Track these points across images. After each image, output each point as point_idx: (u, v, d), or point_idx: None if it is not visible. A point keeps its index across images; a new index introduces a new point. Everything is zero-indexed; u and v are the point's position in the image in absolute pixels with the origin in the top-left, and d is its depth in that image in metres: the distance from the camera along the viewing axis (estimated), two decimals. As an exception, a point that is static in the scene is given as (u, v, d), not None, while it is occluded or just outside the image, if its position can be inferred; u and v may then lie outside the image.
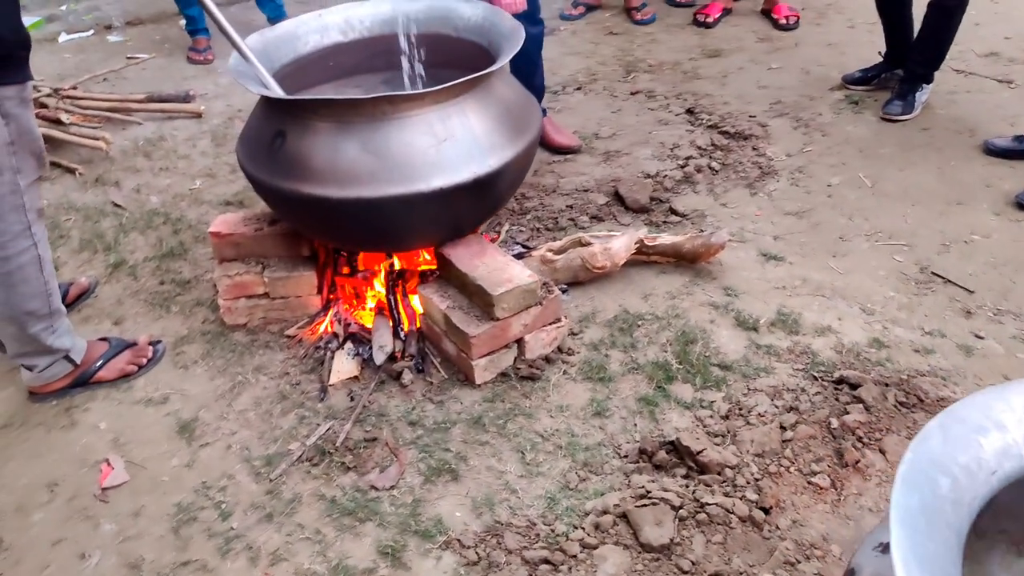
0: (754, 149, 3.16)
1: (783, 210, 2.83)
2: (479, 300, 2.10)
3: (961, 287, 2.45)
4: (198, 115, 3.68)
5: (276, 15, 4.26)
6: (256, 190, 2.19)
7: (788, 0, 4.38)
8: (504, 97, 2.14)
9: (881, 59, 3.58)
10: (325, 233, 2.22)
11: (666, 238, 2.51)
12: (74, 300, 2.52)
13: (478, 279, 2.08)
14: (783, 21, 4.18)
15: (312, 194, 1.98)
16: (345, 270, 2.50)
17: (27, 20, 4.73)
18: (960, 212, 2.78)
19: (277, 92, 2.03)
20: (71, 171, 3.26)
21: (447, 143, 1.99)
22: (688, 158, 3.07)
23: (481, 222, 2.32)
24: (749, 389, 2.06)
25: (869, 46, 3.85)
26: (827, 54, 3.92)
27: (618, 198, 2.85)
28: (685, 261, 2.51)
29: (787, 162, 3.09)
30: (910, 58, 3.32)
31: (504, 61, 2.04)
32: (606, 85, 3.74)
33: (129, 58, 4.30)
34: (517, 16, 2.56)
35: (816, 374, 2.10)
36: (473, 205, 2.12)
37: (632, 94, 3.65)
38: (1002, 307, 2.37)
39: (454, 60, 2.44)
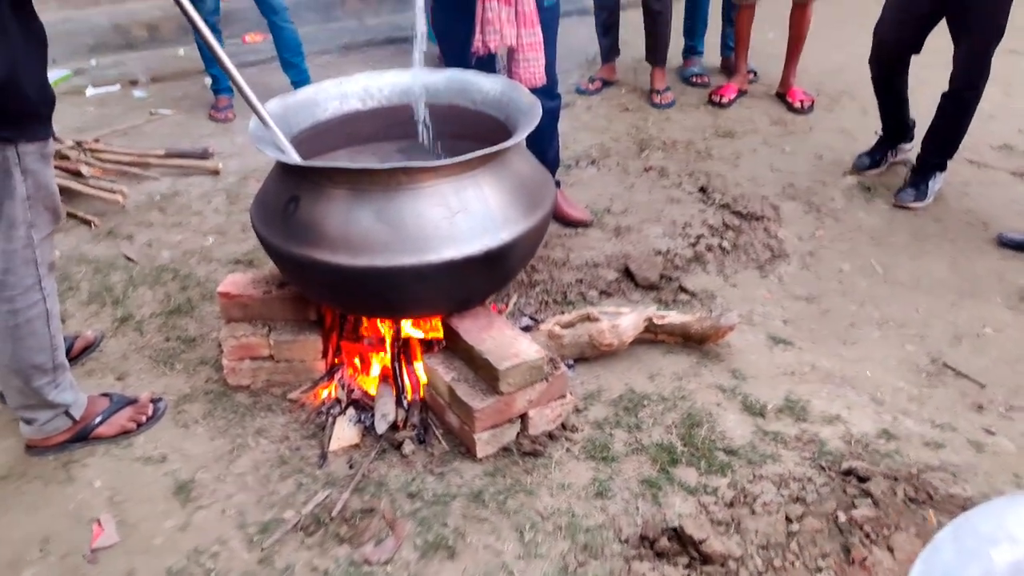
0: (765, 231, 3.20)
1: (793, 294, 2.84)
2: (485, 373, 2.10)
3: (973, 381, 2.44)
4: (215, 172, 3.75)
5: (300, 79, 4.36)
6: (268, 253, 2.21)
7: (802, 85, 4.47)
8: (519, 171, 2.18)
9: (878, 138, 3.66)
10: (334, 299, 2.24)
11: (675, 318, 2.51)
12: (79, 353, 2.53)
13: (485, 352, 2.09)
14: (797, 105, 4.27)
15: (324, 261, 2.00)
16: (351, 335, 2.51)
17: (56, 73, 4.89)
18: (973, 304, 2.79)
19: (294, 158, 2.07)
20: (86, 223, 3.31)
21: (460, 215, 2.02)
22: (699, 237, 3.10)
23: (491, 294, 2.33)
24: (755, 476, 2.04)
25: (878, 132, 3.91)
26: (840, 140, 3.98)
27: (628, 274, 2.87)
28: (693, 342, 2.52)
29: (798, 246, 3.12)
30: (924, 147, 3.38)
31: (521, 137, 2.08)
32: (619, 161, 3.80)
33: (151, 113, 4.40)
34: (534, 90, 2.63)
35: (824, 464, 2.09)
36: (484, 277, 2.14)
37: (645, 171, 3.71)
38: (1014, 403, 2.36)
39: (471, 132, 2.50)
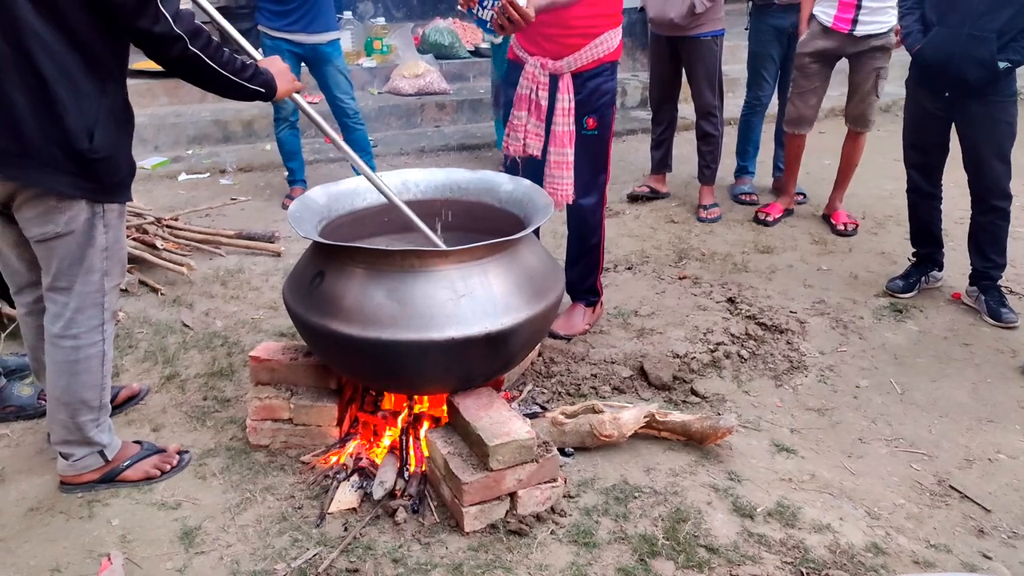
0: (788, 343, 3.23)
1: (805, 405, 2.85)
2: (477, 449, 2.20)
3: (978, 504, 2.39)
4: (277, 254, 4.03)
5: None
6: (293, 322, 2.40)
7: (850, 208, 4.54)
8: (526, 263, 2.33)
9: (911, 262, 3.68)
10: (348, 368, 2.40)
11: (676, 416, 2.57)
12: (123, 402, 2.75)
13: (479, 429, 2.19)
14: (841, 227, 4.32)
15: (338, 331, 2.17)
16: (368, 407, 2.65)
17: (156, 159, 5.39)
18: (989, 430, 2.74)
19: (317, 236, 2.27)
20: (155, 290, 3.60)
21: (465, 299, 2.18)
22: (719, 344, 3.16)
23: (494, 376, 2.45)
24: (732, 575, 2.05)
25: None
26: (879, 262, 4.01)
27: (642, 373, 2.94)
28: (694, 440, 2.56)
29: (819, 359, 3.14)
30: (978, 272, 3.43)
31: (527, 232, 2.25)
32: (655, 268, 3.92)
33: (232, 199, 4.77)
34: (576, 204, 2.86)
35: (804, 570, 2.08)
36: (484, 358, 2.27)
37: (679, 279, 3.80)
38: (1019, 531, 2.30)
39: (493, 227, 2.67)
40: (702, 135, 4.57)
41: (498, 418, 2.24)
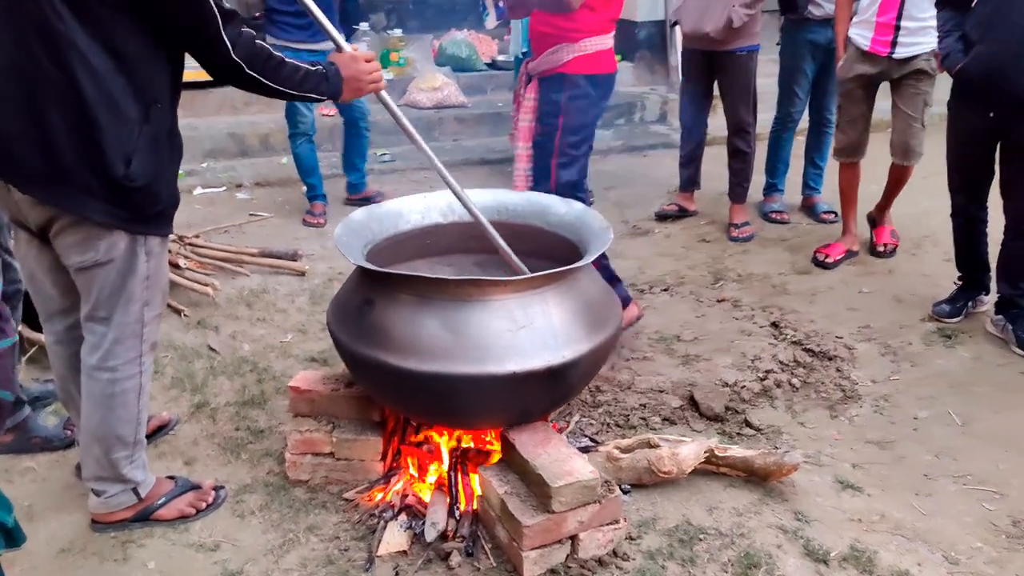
0: (838, 371, 3.11)
1: (864, 438, 2.74)
2: (537, 489, 2.08)
3: (1058, 547, 2.27)
4: (302, 273, 3.91)
5: (359, 182, 4.83)
6: (338, 350, 2.28)
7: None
8: (586, 292, 2.21)
9: (957, 286, 3.57)
10: (397, 402, 2.28)
11: (737, 451, 2.45)
12: (153, 432, 2.62)
13: (539, 468, 2.07)
14: (881, 247, 4.16)
15: (390, 363, 2.05)
16: (411, 440, 2.53)
17: (170, 172, 5.27)
18: (1059, 465, 2.62)
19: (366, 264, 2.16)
20: (178, 312, 3.48)
21: (524, 330, 2.06)
22: (768, 371, 3.04)
23: (550, 410, 2.33)
24: (812, 627, 1.92)
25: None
26: (921, 284, 3.90)
27: (693, 403, 2.83)
28: (756, 477, 2.43)
29: (872, 388, 3.02)
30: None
31: (590, 259, 2.13)
32: (693, 289, 3.80)
33: (251, 215, 4.66)
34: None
35: (888, 622, 1.95)
36: (543, 393, 2.15)
37: (718, 301, 3.69)
38: (1104, 576, 2.17)
39: (545, 251, 2.57)
40: (734, 152, 4.46)
41: (557, 455, 2.12)
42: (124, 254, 1.98)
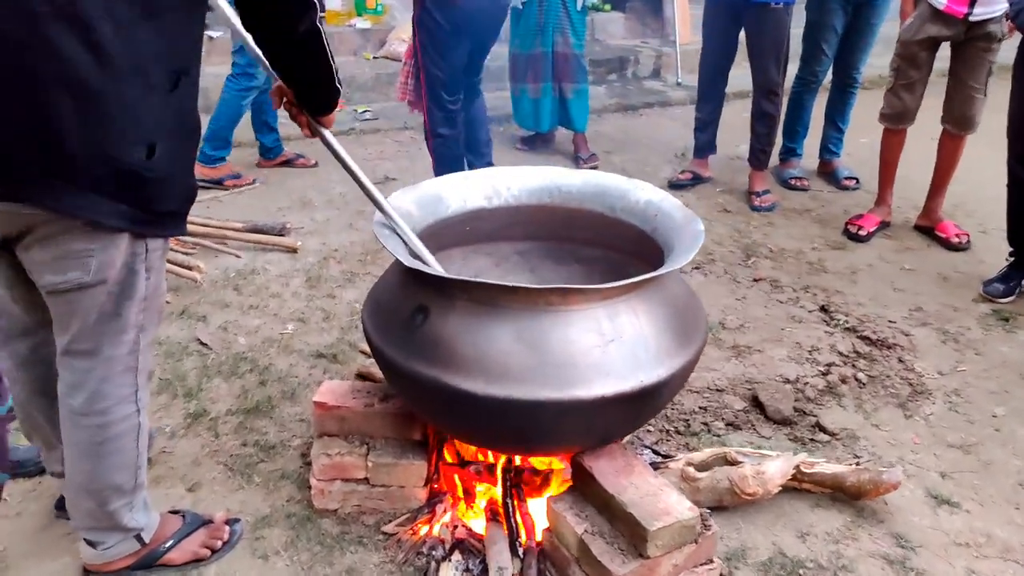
0: (900, 361, 2.88)
1: (945, 440, 2.51)
2: (626, 529, 1.79)
3: None
4: (293, 250, 3.52)
5: (276, 147, 4.49)
6: (380, 365, 1.95)
7: (909, 194, 4.16)
8: (675, 296, 1.91)
9: (1008, 263, 3.36)
10: (455, 428, 1.97)
11: (826, 467, 2.19)
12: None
13: (627, 504, 1.78)
14: (955, 241, 3.79)
15: (453, 386, 1.72)
16: (453, 458, 2.21)
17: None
18: None
19: (435, 268, 1.81)
20: (157, 298, 3.08)
21: (614, 344, 1.75)
22: (830, 365, 2.79)
23: (630, 433, 2.04)
24: None
25: (1006, 254, 3.61)
26: (963, 260, 3.68)
27: (757, 405, 2.57)
28: (846, 495, 2.19)
29: (940, 382, 2.79)
30: None
31: (684, 260, 1.81)
32: (726, 268, 3.53)
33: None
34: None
35: (1030, 673, 1.73)
36: (630, 415, 1.86)
37: (755, 281, 3.42)
38: None
39: (605, 240, 2.27)
40: (761, 115, 4.15)
41: (646, 488, 1.83)
42: (120, 274, 1.59)
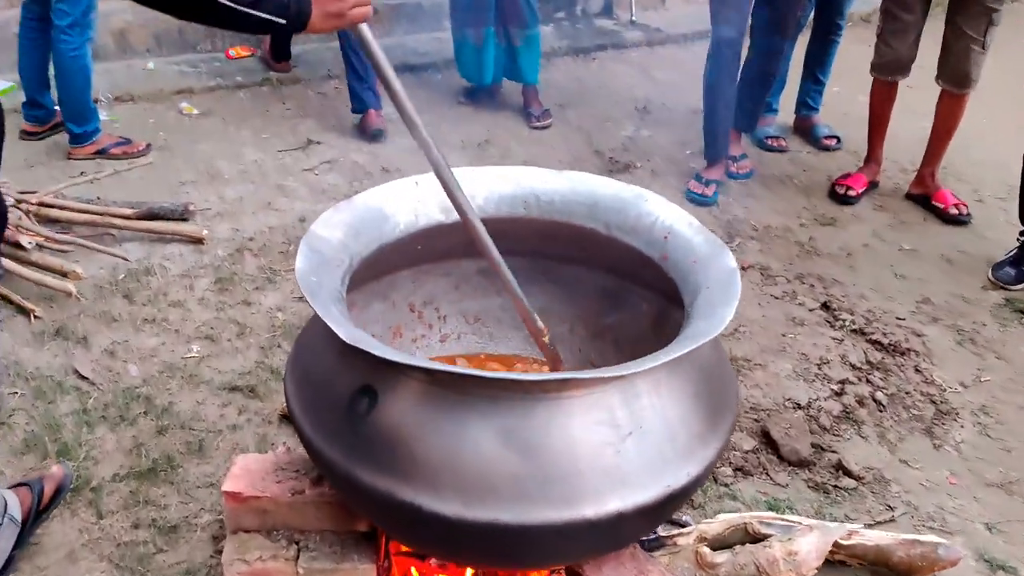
0: (917, 371, 2.54)
1: (983, 477, 2.18)
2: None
3: None
4: (198, 241, 2.95)
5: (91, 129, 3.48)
6: (317, 464, 1.47)
7: (895, 156, 3.79)
8: (705, 364, 1.46)
9: (1020, 243, 3.04)
10: (417, 545, 1.50)
11: (868, 535, 1.84)
12: (50, 502, 1.79)
13: (649, 641, 1.36)
14: (953, 212, 3.44)
15: (416, 505, 1.27)
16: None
17: (-3, 85, 4.03)
18: None
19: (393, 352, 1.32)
20: (25, 312, 2.51)
21: (632, 439, 1.31)
22: (843, 382, 2.43)
23: (647, 535, 1.62)
24: None
25: (1008, 228, 3.30)
26: (965, 237, 3.35)
27: (769, 442, 2.19)
28: (892, 571, 1.83)
29: (964, 397, 2.47)
30: None
31: (727, 313, 1.37)
32: (710, 253, 3.11)
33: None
34: None
35: None
36: (649, 524, 1.44)
37: (743, 269, 3.01)
38: None
39: (597, 260, 1.82)
40: (761, 73, 3.61)
41: (668, 610, 1.42)
42: None
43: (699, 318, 1.41)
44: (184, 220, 3.05)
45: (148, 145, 3.60)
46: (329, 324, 1.27)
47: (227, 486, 1.63)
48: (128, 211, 2.95)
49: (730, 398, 1.51)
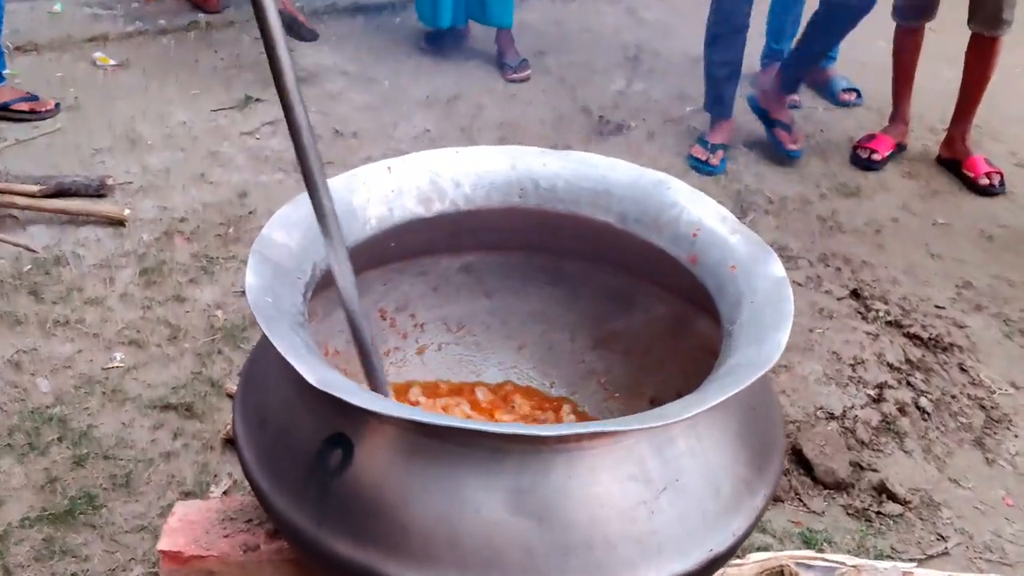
0: (963, 370, 2.47)
1: (1044, 498, 2.11)
2: None
3: None
4: (119, 222, 2.77)
5: None
6: (279, 528, 1.33)
7: (922, 111, 3.68)
8: (750, 394, 1.34)
9: None
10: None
11: (921, 574, 1.74)
12: None
13: None
14: (984, 182, 3.34)
15: (400, 582, 1.14)
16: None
17: None
18: None
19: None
20: (-92, 314, 2.32)
21: (667, 496, 1.19)
22: (881, 386, 2.35)
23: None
24: None
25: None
26: (1003, 207, 3.29)
27: (801, 461, 2.10)
28: (949, 617, 1.75)
29: (1016, 400, 2.42)
30: None
31: (779, 350, 1.26)
32: (719, 231, 3.00)
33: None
34: None
35: None
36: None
37: (759, 249, 2.91)
38: None
39: (607, 254, 1.71)
40: (829, 18, 3.36)
41: None
42: None
43: (745, 343, 1.29)
44: (101, 197, 2.88)
45: (57, 105, 3.38)
46: (293, 364, 1.12)
47: (164, 544, 1.48)
48: (33, 187, 2.76)
49: (777, 433, 1.40)
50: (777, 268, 1.40)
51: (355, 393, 1.13)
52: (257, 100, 3.57)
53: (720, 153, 3.37)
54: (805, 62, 3.46)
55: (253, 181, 3.02)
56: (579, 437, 1.14)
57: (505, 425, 1.29)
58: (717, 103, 3.44)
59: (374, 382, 1.33)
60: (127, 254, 2.67)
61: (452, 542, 1.14)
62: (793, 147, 3.42)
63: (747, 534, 1.27)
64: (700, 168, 3.34)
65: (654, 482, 1.18)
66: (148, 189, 2.99)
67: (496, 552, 1.13)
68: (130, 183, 3.00)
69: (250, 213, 2.84)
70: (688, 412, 1.12)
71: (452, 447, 1.15)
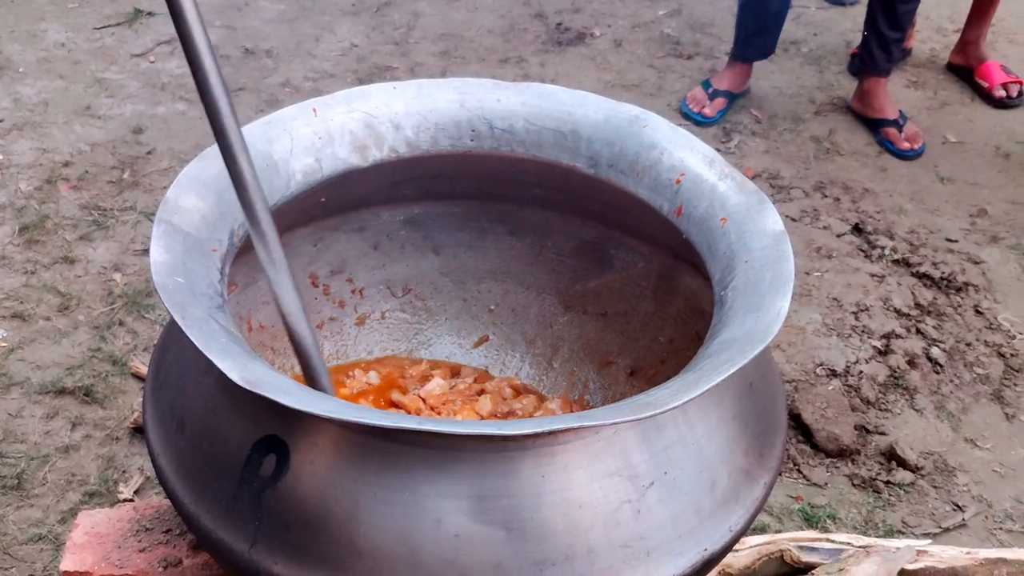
0: (978, 312, 2.54)
1: (1070, 459, 2.18)
2: None
3: None
4: (-12, 169, 2.69)
5: None
6: (204, 546, 1.32)
7: (935, 17, 3.72)
8: (749, 380, 1.36)
9: None
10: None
11: (939, 555, 1.79)
12: None
13: None
14: (1000, 94, 3.36)
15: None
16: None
17: None
18: None
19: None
20: None
21: (655, 492, 1.20)
22: (888, 336, 2.40)
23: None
24: None
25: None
26: (1021, 121, 3.32)
27: (799, 426, 2.14)
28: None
29: (1037, 344, 2.46)
30: None
31: (780, 319, 1.27)
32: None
33: None
34: None
35: None
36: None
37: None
38: None
39: (574, 204, 1.72)
40: None
41: None
42: None
43: (742, 311, 1.29)
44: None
45: None
46: (214, 361, 1.10)
47: (68, 563, 1.47)
48: None
49: (779, 410, 1.41)
50: (775, 221, 1.39)
51: (289, 392, 1.11)
52: (149, 14, 3.48)
53: (721, 102, 3.24)
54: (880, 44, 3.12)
55: (149, 113, 2.95)
56: (551, 434, 1.13)
57: (465, 423, 1.28)
58: (748, 44, 3.21)
59: (311, 373, 1.31)
60: (2, 208, 2.60)
61: (408, 559, 1.14)
62: (907, 146, 3.15)
63: (746, 529, 1.29)
64: (691, 117, 3.22)
65: (639, 478, 1.19)
66: (22, 127, 2.92)
67: (460, 570, 1.14)
68: (1, 120, 2.91)
69: (148, 153, 2.78)
70: (678, 399, 1.12)
71: (405, 448, 1.14)
